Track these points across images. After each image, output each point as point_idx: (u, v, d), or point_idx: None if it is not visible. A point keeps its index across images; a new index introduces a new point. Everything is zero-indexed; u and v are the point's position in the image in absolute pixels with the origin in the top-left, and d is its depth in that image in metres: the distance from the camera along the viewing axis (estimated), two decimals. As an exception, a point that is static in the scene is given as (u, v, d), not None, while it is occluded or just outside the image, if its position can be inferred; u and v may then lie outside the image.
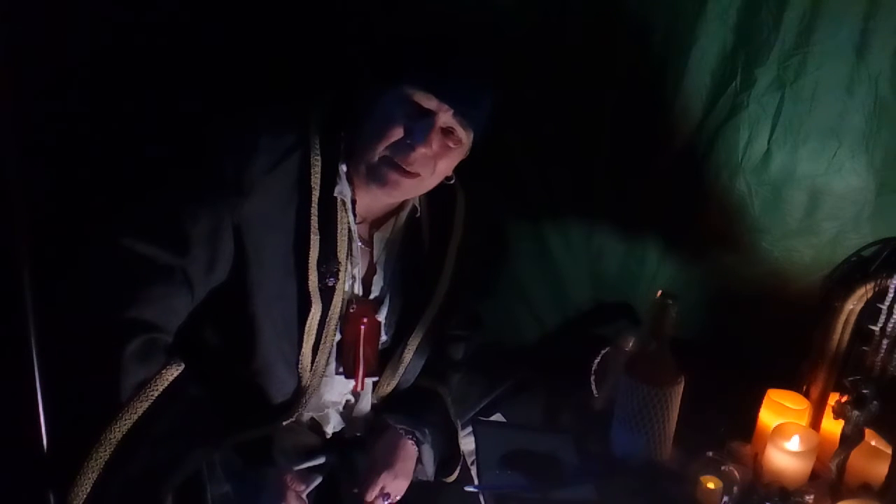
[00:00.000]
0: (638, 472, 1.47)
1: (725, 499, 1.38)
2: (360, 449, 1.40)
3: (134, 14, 1.41)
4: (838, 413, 1.41)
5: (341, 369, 1.37)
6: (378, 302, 1.39)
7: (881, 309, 1.48)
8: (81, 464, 1.07)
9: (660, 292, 1.43)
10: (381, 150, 1.23)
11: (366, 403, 1.44)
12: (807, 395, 1.59)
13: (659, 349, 1.45)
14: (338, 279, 1.29)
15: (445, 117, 1.22)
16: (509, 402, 1.69)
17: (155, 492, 1.10)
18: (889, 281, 1.47)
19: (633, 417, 1.46)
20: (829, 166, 1.55)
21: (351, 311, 1.35)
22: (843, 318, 1.53)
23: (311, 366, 1.31)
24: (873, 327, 1.49)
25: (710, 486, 1.38)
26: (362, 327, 1.35)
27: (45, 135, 1.31)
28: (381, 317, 1.39)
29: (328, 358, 1.34)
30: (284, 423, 1.33)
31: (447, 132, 1.25)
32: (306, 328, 1.28)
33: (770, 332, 1.64)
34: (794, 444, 1.44)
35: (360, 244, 1.34)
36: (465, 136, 1.27)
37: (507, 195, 1.76)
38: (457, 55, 1.26)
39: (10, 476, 1.17)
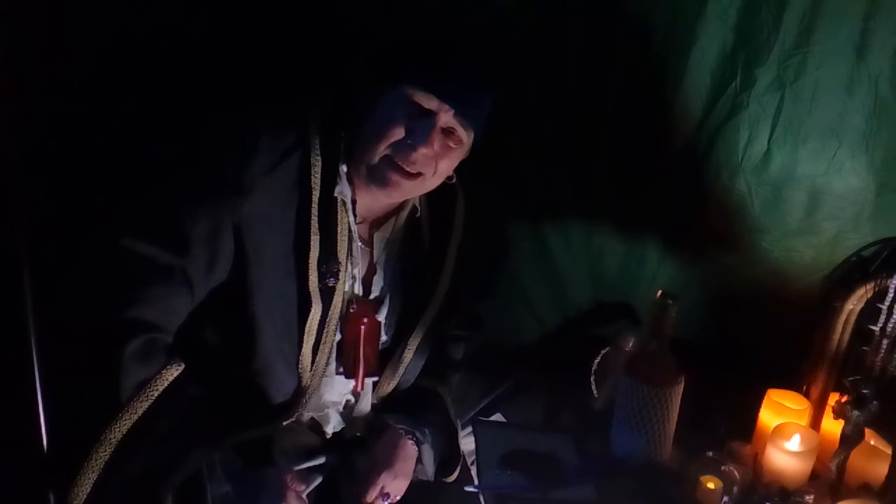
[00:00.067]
0: (638, 472, 1.47)
1: (725, 499, 1.38)
2: (360, 449, 1.40)
3: (134, 14, 1.40)
4: (838, 413, 1.41)
5: (341, 369, 1.37)
6: (378, 302, 1.39)
7: (881, 309, 1.48)
8: (81, 464, 1.07)
9: (660, 292, 1.43)
10: (381, 150, 1.23)
11: (366, 403, 1.44)
12: (807, 395, 1.59)
13: (659, 349, 1.45)
14: (338, 279, 1.29)
15: (446, 117, 1.22)
16: (509, 402, 1.69)
17: (155, 492, 1.10)
18: (889, 281, 1.47)
19: (633, 417, 1.46)
20: (829, 166, 1.55)
21: (351, 311, 1.35)
22: (843, 318, 1.53)
23: (312, 366, 1.31)
24: (873, 327, 1.49)
25: (710, 486, 1.38)
26: (362, 327, 1.35)
27: (45, 135, 1.30)
28: (382, 317, 1.39)
29: (328, 358, 1.34)
30: (284, 423, 1.33)
31: (448, 132, 1.25)
32: (306, 328, 1.28)
33: (770, 332, 1.64)
34: (794, 444, 1.44)
35: (360, 244, 1.34)
36: (466, 136, 1.27)
37: (507, 195, 1.76)
38: (457, 55, 1.26)
39: (10, 476, 1.17)
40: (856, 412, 1.37)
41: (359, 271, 1.35)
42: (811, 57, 1.48)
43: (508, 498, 1.42)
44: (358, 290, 1.36)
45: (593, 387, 1.69)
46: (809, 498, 1.37)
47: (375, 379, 1.42)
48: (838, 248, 1.61)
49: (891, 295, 1.46)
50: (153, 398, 1.12)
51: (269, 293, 1.24)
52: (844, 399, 1.40)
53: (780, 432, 1.45)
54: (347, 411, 1.44)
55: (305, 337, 1.28)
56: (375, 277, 1.39)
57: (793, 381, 1.62)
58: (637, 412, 1.46)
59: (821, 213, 1.60)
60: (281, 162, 1.22)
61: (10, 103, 1.02)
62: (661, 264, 1.76)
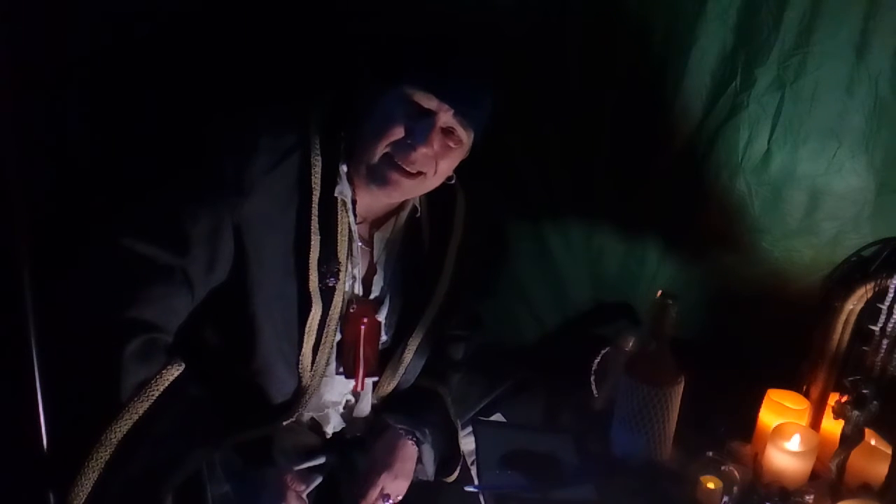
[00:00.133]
0: (638, 472, 1.47)
1: (725, 499, 1.38)
2: (360, 449, 1.40)
3: (134, 14, 1.40)
4: (838, 413, 1.41)
5: (342, 369, 1.37)
6: (378, 302, 1.39)
7: (881, 309, 1.48)
8: (82, 464, 1.07)
9: (660, 292, 1.43)
10: (381, 150, 1.23)
11: (366, 403, 1.44)
12: (807, 395, 1.59)
13: (659, 349, 1.45)
14: (338, 279, 1.29)
15: (446, 117, 1.22)
16: (509, 402, 1.69)
17: (155, 492, 1.10)
18: (889, 281, 1.47)
19: (633, 417, 1.46)
20: (829, 166, 1.55)
21: (351, 311, 1.35)
22: (843, 318, 1.53)
23: (312, 366, 1.31)
24: (873, 327, 1.49)
25: (710, 486, 1.38)
26: (362, 327, 1.35)
27: (45, 135, 1.30)
28: (382, 317, 1.39)
29: (328, 358, 1.34)
30: (284, 423, 1.34)
31: (447, 132, 1.25)
32: (306, 328, 1.27)
33: (770, 332, 1.64)
34: (794, 444, 1.44)
35: (360, 244, 1.34)
36: (466, 136, 1.27)
37: (507, 195, 1.76)
38: (457, 55, 1.26)
39: (10, 476, 1.17)
40: (856, 412, 1.37)
41: (359, 271, 1.35)
42: (811, 57, 1.48)
43: (508, 498, 1.42)
44: (358, 290, 1.36)
45: (593, 387, 1.69)
46: (809, 498, 1.37)
47: (375, 379, 1.42)
48: (838, 248, 1.61)
49: (891, 295, 1.46)
50: (153, 398, 1.12)
51: (270, 293, 1.24)
52: (844, 399, 1.40)
53: (780, 432, 1.45)
54: (347, 411, 1.44)
55: (305, 337, 1.28)
56: (375, 277, 1.39)
57: (793, 381, 1.62)
58: (637, 412, 1.46)
59: (821, 213, 1.60)
60: (281, 162, 1.22)
61: (10, 103, 1.02)
62: (661, 264, 1.76)
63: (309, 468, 1.37)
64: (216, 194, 1.19)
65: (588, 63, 1.60)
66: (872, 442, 1.45)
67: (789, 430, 1.46)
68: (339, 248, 1.28)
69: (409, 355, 1.42)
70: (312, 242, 1.25)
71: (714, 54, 1.53)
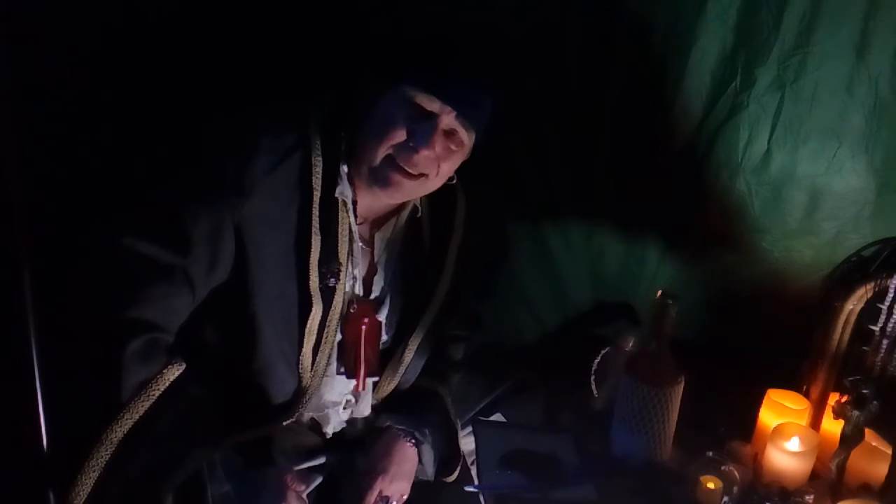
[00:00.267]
0: (638, 472, 1.47)
1: (725, 499, 1.38)
2: (360, 449, 1.41)
3: (134, 14, 1.40)
4: (838, 413, 1.41)
5: (342, 369, 1.37)
6: (379, 302, 1.39)
7: (881, 309, 1.48)
8: (82, 463, 1.07)
9: (660, 292, 1.43)
10: (383, 152, 1.22)
11: (366, 404, 1.44)
12: (807, 395, 1.59)
13: (659, 349, 1.45)
14: (339, 279, 1.29)
15: (448, 119, 1.22)
16: (509, 402, 1.69)
17: (155, 491, 1.10)
18: (889, 281, 1.47)
19: (633, 417, 1.46)
20: (829, 166, 1.55)
21: (352, 311, 1.34)
22: (843, 318, 1.53)
23: (312, 366, 1.31)
24: (873, 327, 1.49)
25: (710, 486, 1.38)
26: (363, 327, 1.35)
27: (45, 135, 1.30)
28: (382, 317, 1.39)
29: (329, 358, 1.34)
30: (285, 424, 1.33)
31: (449, 134, 1.24)
32: (307, 328, 1.27)
33: (770, 331, 1.64)
34: (794, 444, 1.44)
35: (360, 244, 1.34)
36: (467, 138, 1.27)
37: (507, 195, 1.76)
38: (458, 56, 1.26)
39: (10, 476, 1.17)
40: (856, 412, 1.37)
41: (359, 271, 1.35)
42: (811, 57, 1.48)
43: (508, 498, 1.42)
44: (358, 290, 1.36)
45: (593, 387, 1.69)
46: (809, 498, 1.37)
47: (376, 379, 1.42)
48: (838, 248, 1.61)
49: (891, 295, 1.46)
50: (154, 398, 1.12)
51: (270, 293, 1.24)
52: (844, 399, 1.40)
53: (780, 432, 1.45)
54: (347, 411, 1.43)
55: (306, 337, 1.28)
56: (376, 277, 1.39)
57: (793, 381, 1.62)
58: (637, 412, 1.46)
59: (821, 213, 1.60)
60: (282, 162, 1.22)
61: (10, 103, 1.02)
62: (661, 264, 1.76)
63: (309, 468, 1.37)
64: (217, 194, 1.19)
65: (588, 63, 1.59)
66: (872, 442, 1.45)
67: (789, 430, 1.46)
68: (339, 248, 1.28)
69: (409, 355, 1.42)
70: (313, 243, 1.25)
71: (714, 54, 1.53)
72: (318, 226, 1.25)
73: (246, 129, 1.22)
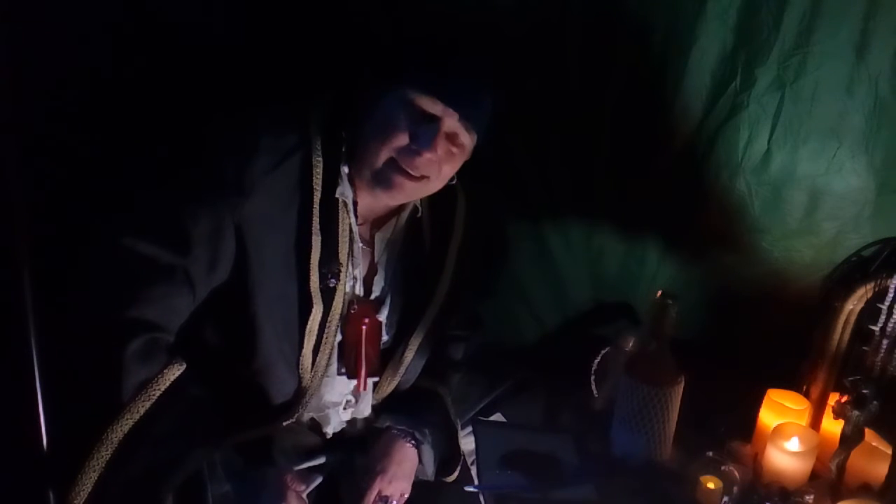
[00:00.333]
0: (638, 472, 1.47)
1: (725, 499, 1.38)
2: (360, 449, 1.41)
3: (134, 14, 1.40)
4: (838, 413, 1.41)
5: (343, 370, 1.37)
6: (379, 302, 1.39)
7: (881, 309, 1.48)
8: (83, 463, 1.07)
9: (660, 292, 1.43)
10: (385, 155, 1.22)
11: (366, 404, 1.44)
12: (807, 395, 1.59)
13: (659, 349, 1.45)
14: (339, 280, 1.29)
15: (450, 122, 1.22)
16: (509, 402, 1.69)
17: (155, 491, 1.10)
18: (889, 281, 1.47)
19: (633, 417, 1.46)
20: (829, 166, 1.55)
21: (352, 311, 1.34)
22: (843, 318, 1.53)
23: (312, 367, 1.31)
24: (873, 327, 1.49)
25: (710, 486, 1.38)
26: (364, 328, 1.35)
27: (45, 135, 1.30)
28: (383, 317, 1.39)
29: (329, 359, 1.34)
30: (284, 424, 1.33)
31: (451, 137, 1.24)
32: (307, 329, 1.27)
33: (770, 332, 1.64)
34: (794, 444, 1.44)
35: (361, 245, 1.34)
36: (469, 140, 1.27)
37: (507, 195, 1.76)
38: (459, 58, 1.26)
39: (10, 476, 1.17)
40: (856, 412, 1.37)
41: (360, 272, 1.35)
42: (811, 57, 1.48)
43: (508, 498, 1.42)
44: (359, 290, 1.36)
45: (593, 387, 1.69)
46: (809, 498, 1.37)
47: (376, 379, 1.42)
48: (838, 248, 1.61)
49: (891, 295, 1.46)
50: (154, 398, 1.12)
51: (270, 294, 1.24)
52: (844, 399, 1.40)
53: (780, 432, 1.45)
54: (347, 412, 1.43)
55: (306, 338, 1.28)
56: (376, 278, 1.39)
57: (793, 381, 1.62)
58: (637, 412, 1.46)
59: (821, 213, 1.60)
60: (282, 162, 1.22)
61: (10, 103, 1.02)
62: (661, 264, 1.76)
63: (309, 468, 1.37)
64: (217, 194, 1.19)
65: (588, 63, 1.59)
66: (872, 442, 1.45)
67: (789, 430, 1.46)
68: (339, 249, 1.28)
69: (409, 355, 1.42)
70: (313, 243, 1.25)
71: (714, 54, 1.53)
72: (318, 226, 1.25)
73: (246, 129, 1.22)
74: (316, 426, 1.42)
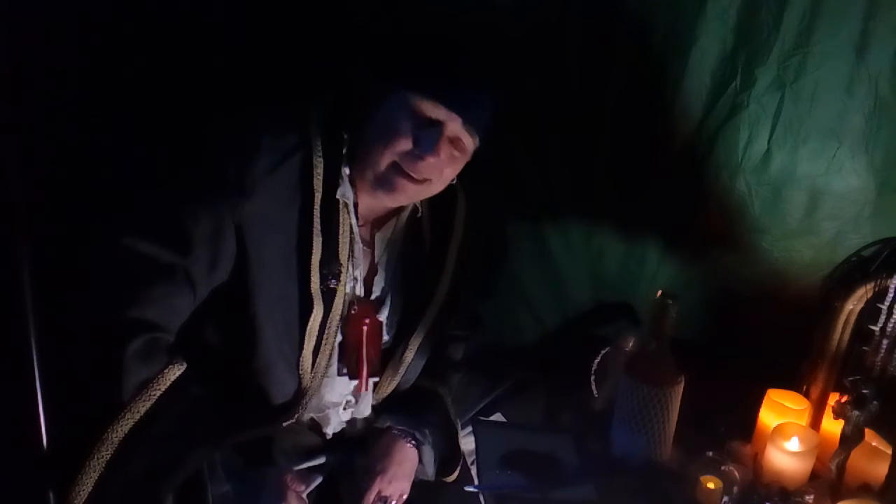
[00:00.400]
0: (638, 472, 1.47)
1: (725, 499, 1.38)
2: (360, 449, 1.41)
3: (134, 14, 1.40)
4: (838, 413, 1.41)
5: (344, 370, 1.36)
6: (379, 302, 1.39)
7: (881, 309, 1.48)
8: (83, 463, 1.07)
9: (660, 292, 1.43)
10: (388, 159, 1.22)
11: (366, 404, 1.44)
12: (807, 395, 1.59)
13: (659, 349, 1.45)
14: (339, 281, 1.29)
15: (453, 126, 1.22)
16: (509, 402, 1.69)
17: (156, 491, 1.10)
18: (889, 281, 1.47)
19: (633, 417, 1.46)
20: (829, 166, 1.55)
21: (352, 312, 1.34)
22: (843, 318, 1.53)
23: (312, 367, 1.31)
24: (873, 327, 1.49)
25: (710, 486, 1.38)
26: (365, 328, 1.35)
27: (45, 135, 1.30)
28: (383, 317, 1.39)
29: (329, 359, 1.34)
30: (284, 424, 1.33)
31: (454, 141, 1.24)
32: (308, 330, 1.27)
33: (770, 332, 1.64)
34: (794, 444, 1.44)
35: (361, 245, 1.34)
36: (471, 143, 1.27)
37: (507, 195, 1.76)
38: (461, 61, 1.25)
39: (10, 476, 1.17)
40: (856, 412, 1.37)
41: (360, 272, 1.35)
42: (811, 57, 1.48)
43: (508, 498, 1.42)
44: (359, 291, 1.36)
45: (593, 387, 1.69)
46: (809, 498, 1.37)
47: (376, 379, 1.42)
48: (838, 248, 1.61)
49: (891, 295, 1.46)
50: (155, 398, 1.11)
51: (271, 294, 1.24)
52: (844, 399, 1.40)
53: (780, 432, 1.45)
54: (347, 412, 1.43)
55: (306, 338, 1.28)
56: (377, 278, 1.39)
57: (793, 381, 1.62)
58: (637, 412, 1.46)
59: (821, 213, 1.60)
60: (283, 162, 1.21)
61: (10, 103, 1.02)
62: (661, 264, 1.76)
63: (309, 468, 1.37)
64: (217, 194, 1.19)
65: (588, 63, 1.59)
66: (873, 442, 1.45)
67: (789, 430, 1.46)
68: (340, 249, 1.28)
69: (410, 355, 1.42)
70: (314, 244, 1.25)
71: (714, 54, 1.53)
72: (319, 227, 1.25)
73: (246, 129, 1.22)
74: (316, 426, 1.42)
